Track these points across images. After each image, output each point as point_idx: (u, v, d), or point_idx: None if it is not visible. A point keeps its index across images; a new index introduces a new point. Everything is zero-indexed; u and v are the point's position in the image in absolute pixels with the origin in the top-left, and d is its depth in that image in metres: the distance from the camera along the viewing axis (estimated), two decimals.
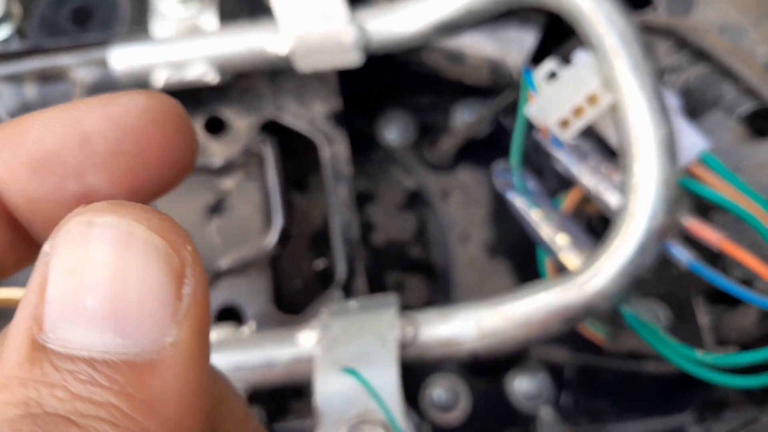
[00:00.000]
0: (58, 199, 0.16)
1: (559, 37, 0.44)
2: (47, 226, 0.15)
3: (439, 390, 0.44)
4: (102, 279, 0.12)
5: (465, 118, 0.60)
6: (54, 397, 0.12)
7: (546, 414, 0.42)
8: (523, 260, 0.50)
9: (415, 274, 0.49)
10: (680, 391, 0.45)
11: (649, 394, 0.46)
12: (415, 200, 0.52)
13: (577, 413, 0.45)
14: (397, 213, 0.51)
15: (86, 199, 0.15)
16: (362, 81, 0.46)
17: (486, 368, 0.46)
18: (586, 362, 0.45)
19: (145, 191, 0.17)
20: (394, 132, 0.60)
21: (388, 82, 0.57)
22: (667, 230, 0.34)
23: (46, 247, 0.13)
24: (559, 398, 0.45)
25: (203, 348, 0.13)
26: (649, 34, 0.43)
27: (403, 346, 0.32)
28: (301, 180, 0.54)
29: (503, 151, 0.60)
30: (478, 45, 0.41)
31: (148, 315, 0.12)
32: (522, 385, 0.45)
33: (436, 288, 0.49)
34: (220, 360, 0.33)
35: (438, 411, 0.43)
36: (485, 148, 0.61)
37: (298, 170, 0.48)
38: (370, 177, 0.57)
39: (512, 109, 0.58)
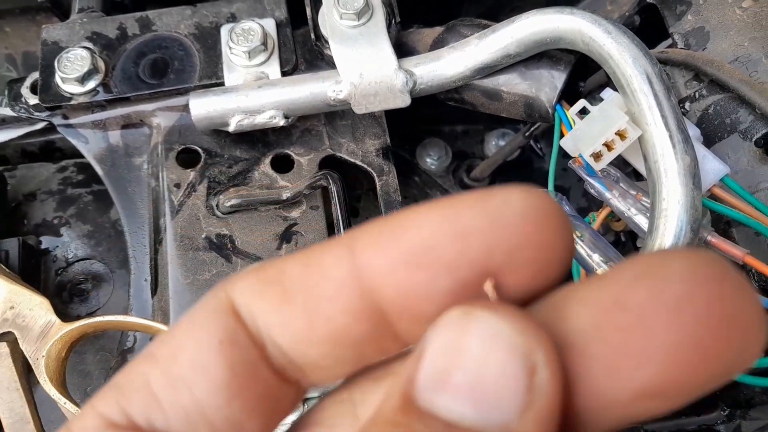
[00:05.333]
0: (430, 294, 0.16)
1: (585, 67, 0.48)
2: (414, 320, 0.17)
3: None
4: (471, 362, 0.15)
5: (498, 144, 0.65)
6: None
7: None
8: None
9: None
10: (709, 391, 0.49)
11: None
12: None
13: None
14: None
15: (457, 294, 0.16)
16: (406, 115, 0.51)
17: None
18: None
19: (518, 288, 0.16)
20: (433, 158, 0.64)
21: (428, 115, 0.62)
22: (693, 248, 0.38)
23: (429, 330, 0.16)
24: None
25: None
26: (669, 66, 0.47)
27: None
28: (353, 207, 0.59)
29: (532, 172, 0.65)
30: (514, 83, 0.46)
31: (500, 398, 0.15)
32: None
33: None
34: None
35: None
36: (516, 169, 0.66)
37: (349, 198, 0.53)
38: (411, 199, 0.62)
39: (542, 133, 0.63)
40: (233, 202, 0.46)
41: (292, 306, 0.17)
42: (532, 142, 0.62)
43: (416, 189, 0.63)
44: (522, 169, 0.63)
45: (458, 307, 0.15)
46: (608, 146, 0.39)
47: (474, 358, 0.15)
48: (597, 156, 0.39)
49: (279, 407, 0.18)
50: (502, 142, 0.63)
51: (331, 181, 0.46)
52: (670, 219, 0.37)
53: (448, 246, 0.16)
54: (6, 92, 0.52)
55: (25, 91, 0.51)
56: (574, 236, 0.41)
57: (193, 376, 0.17)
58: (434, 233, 0.16)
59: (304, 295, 0.17)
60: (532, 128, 0.55)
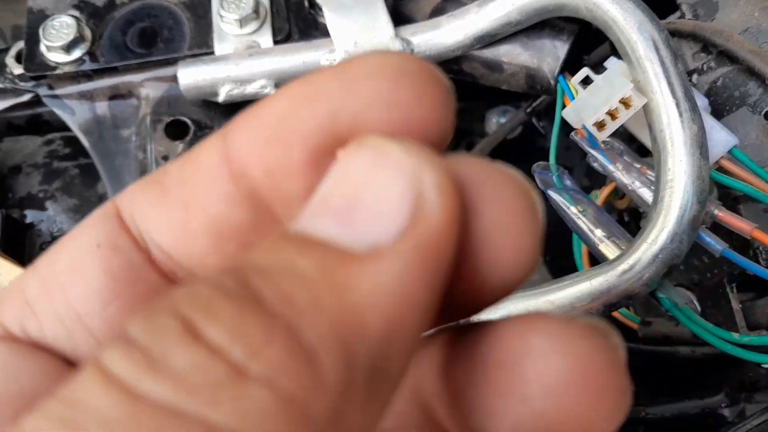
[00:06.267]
0: (289, 169, 0.15)
1: (587, 43, 0.47)
2: (286, 201, 0.16)
3: None
4: (351, 185, 0.13)
5: (498, 122, 0.63)
6: (267, 257, 0.13)
7: None
8: (554, 255, 0.53)
9: None
10: (713, 374, 0.47)
11: (682, 378, 0.48)
12: None
13: None
14: None
15: (317, 167, 0.15)
16: None
17: None
18: None
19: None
20: None
21: None
22: (700, 220, 0.36)
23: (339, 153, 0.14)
24: None
25: (426, 270, 0.13)
26: (677, 37, 0.46)
27: None
28: None
29: (535, 150, 0.63)
30: (515, 53, 0.44)
31: (375, 219, 0.13)
32: None
33: None
34: None
35: None
36: (517, 148, 0.64)
37: None
38: None
39: (544, 112, 0.61)
40: None
41: (168, 199, 0.16)
42: (533, 119, 0.60)
43: None
44: (524, 146, 0.61)
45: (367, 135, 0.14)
46: (612, 115, 0.37)
47: (356, 180, 0.14)
48: (600, 125, 0.37)
49: None
50: (503, 120, 0.62)
51: None
52: (676, 190, 0.36)
53: (298, 114, 0.15)
54: None
55: (9, 60, 0.50)
56: (576, 211, 0.39)
57: (68, 281, 0.16)
58: (289, 103, 0.15)
59: (180, 188, 0.16)
60: (534, 104, 0.53)
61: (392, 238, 0.13)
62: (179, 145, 0.46)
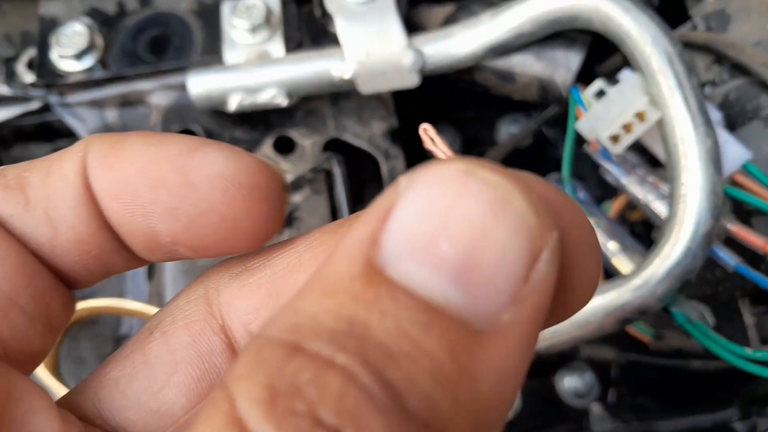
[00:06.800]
0: (134, 227, 0.17)
1: (600, 52, 0.47)
2: (140, 242, 0.17)
3: None
4: (466, 231, 0.12)
5: (509, 131, 0.63)
6: (382, 326, 0.11)
7: (597, 410, 0.45)
8: None
9: None
10: (725, 387, 0.47)
11: (694, 391, 0.48)
12: None
13: (623, 409, 0.47)
14: None
15: (152, 240, 0.17)
16: (414, 98, 0.49)
17: (535, 369, 0.48)
18: (632, 360, 0.47)
19: (207, 250, 0.17)
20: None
21: (438, 99, 0.60)
22: (714, 235, 0.36)
23: (402, 180, 0.12)
24: (606, 395, 0.47)
25: (532, 340, 0.12)
26: (689, 50, 0.46)
27: None
28: (358, 193, 0.58)
29: (545, 160, 0.63)
30: (528, 64, 0.44)
31: (494, 284, 0.12)
32: (571, 383, 0.47)
33: None
34: None
35: None
36: (527, 157, 0.64)
37: (354, 184, 0.52)
38: None
39: (555, 121, 0.61)
40: None
41: (35, 215, 0.17)
42: (544, 129, 0.60)
43: None
44: (534, 156, 0.61)
45: (449, 163, 0.12)
46: (627, 128, 0.37)
47: (473, 226, 0.12)
48: (615, 139, 0.37)
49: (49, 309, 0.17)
50: (514, 129, 0.61)
51: (334, 165, 0.44)
52: (689, 205, 0.35)
53: (144, 191, 0.16)
54: (5, 70, 0.50)
55: (20, 67, 0.50)
56: None
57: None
58: (139, 171, 0.16)
59: (46, 203, 0.17)
60: (545, 114, 0.53)
61: (506, 305, 0.12)
62: None
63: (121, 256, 0.17)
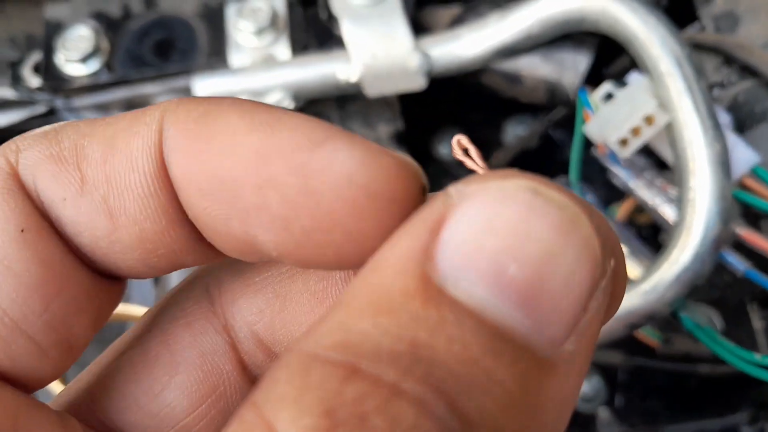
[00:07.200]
0: (232, 224, 0.13)
1: (607, 55, 0.46)
2: (225, 238, 0.14)
3: None
4: (534, 254, 0.11)
5: (516, 133, 0.63)
6: (450, 351, 0.10)
7: (605, 414, 0.45)
8: None
9: None
10: (733, 392, 0.47)
11: (702, 396, 0.48)
12: None
13: (631, 414, 0.47)
14: None
15: (249, 246, 0.13)
16: (420, 100, 0.49)
17: None
18: (639, 365, 0.47)
19: (320, 265, 0.14)
20: (447, 147, 0.62)
21: (444, 101, 0.60)
22: (722, 240, 0.36)
23: (452, 191, 0.12)
24: (614, 400, 0.47)
25: (587, 369, 0.12)
26: (697, 51, 0.45)
27: None
28: None
29: (552, 162, 0.63)
30: (535, 66, 0.44)
31: (559, 310, 0.11)
32: None
33: None
34: None
35: None
36: (534, 160, 0.64)
37: None
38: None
39: (562, 123, 0.61)
40: None
41: (91, 200, 0.14)
42: (551, 131, 0.60)
43: (430, 179, 0.61)
44: (541, 158, 0.61)
45: (512, 179, 0.11)
46: (635, 132, 0.37)
47: (541, 249, 0.11)
48: (624, 142, 0.37)
49: (98, 305, 0.15)
50: (520, 131, 0.61)
51: None
52: (698, 210, 0.35)
53: (247, 192, 0.13)
54: (11, 73, 0.50)
55: (26, 71, 0.50)
56: None
57: None
58: (241, 165, 0.13)
59: (106, 187, 0.13)
60: (552, 115, 0.53)
61: (567, 332, 0.11)
62: None
63: (198, 255, 0.14)
